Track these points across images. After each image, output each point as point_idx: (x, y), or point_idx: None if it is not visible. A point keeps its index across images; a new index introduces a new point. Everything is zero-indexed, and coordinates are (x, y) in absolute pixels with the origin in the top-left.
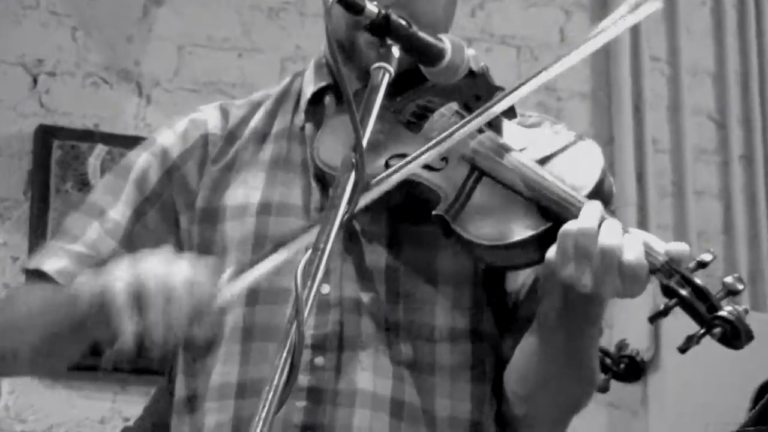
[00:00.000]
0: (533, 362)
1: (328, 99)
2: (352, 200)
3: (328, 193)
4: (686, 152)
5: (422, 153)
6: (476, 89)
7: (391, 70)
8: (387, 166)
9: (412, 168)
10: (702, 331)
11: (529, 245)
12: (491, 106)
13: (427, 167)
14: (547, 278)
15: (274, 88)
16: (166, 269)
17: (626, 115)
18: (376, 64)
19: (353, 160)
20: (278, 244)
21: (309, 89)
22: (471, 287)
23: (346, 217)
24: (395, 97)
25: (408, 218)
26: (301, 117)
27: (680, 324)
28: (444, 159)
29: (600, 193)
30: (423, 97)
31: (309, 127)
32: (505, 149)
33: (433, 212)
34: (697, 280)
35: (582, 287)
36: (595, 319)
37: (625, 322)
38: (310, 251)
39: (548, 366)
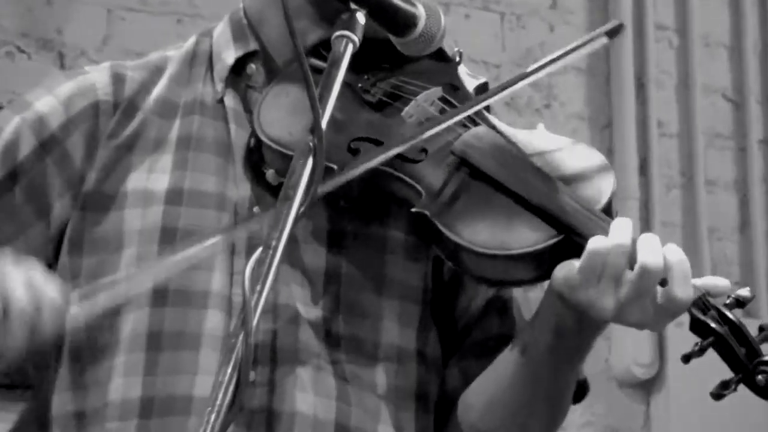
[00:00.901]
0: (505, 396)
1: (254, 67)
2: (309, 191)
3: (264, 179)
4: (697, 137)
5: (412, 139)
6: (451, 77)
7: (356, 39)
8: (350, 150)
9: (386, 157)
10: (739, 376)
11: (535, 259)
12: (495, 94)
13: (403, 158)
14: (550, 302)
15: (172, 51)
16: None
17: (628, 93)
18: (338, 33)
19: (310, 144)
20: (190, 242)
21: (228, 54)
22: (420, 302)
23: (302, 210)
24: (362, 73)
25: (357, 216)
26: (218, 87)
27: (687, 337)
28: (423, 150)
29: (609, 209)
30: (398, 75)
31: (230, 100)
32: (506, 147)
33: (413, 209)
34: (735, 318)
35: (601, 313)
36: (589, 348)
37: (623, 333)
38: (260, 250)
39: (523, 400)
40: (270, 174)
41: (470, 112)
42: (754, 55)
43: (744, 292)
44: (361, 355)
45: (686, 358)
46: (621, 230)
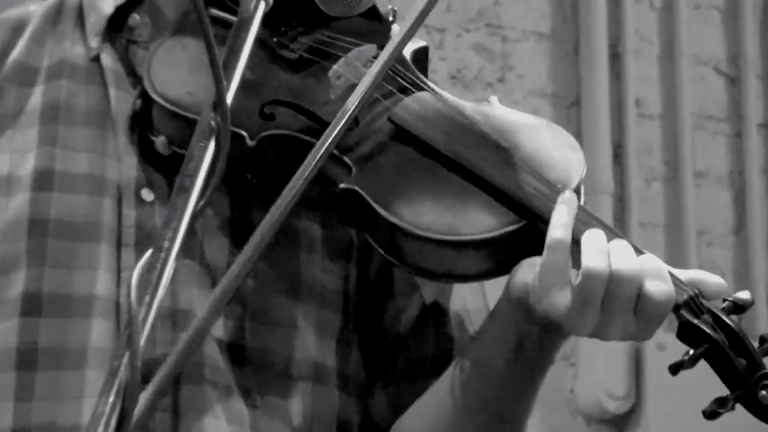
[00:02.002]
0: (448, 429)
1: (137, 18)
2: (210, 181)
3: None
4: (684, 119)
5: (357, 104)
6: (384, 39)
7: None
8: (263, 115)
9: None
10: (737, 393)
11: (489, 248)
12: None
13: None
14: (508, 310)
15: (34, 5)
16: None
17: (600, 65)
18: None
19: (212, 123)
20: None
21: (106, 3)
22: (340, 310)
23: (202, 205)
24: (279, 26)
25: (266, 203)
26: (92, 43)
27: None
28: (354, 119)
29: (579, 194)
30: (322, 31)
31: (108, 59)
32: (455, 117)
33: (341, 185)
34: (734, 324)
35: (575, 328)
36: (551, 362)
37: (592, 356)
38: (149, 253)
39: (474, 428)
40: (160, 142)
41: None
42: (754, 20)
43: (743, 295)
44: (272, 373)
45: (675, 369)
46: (594, 241)
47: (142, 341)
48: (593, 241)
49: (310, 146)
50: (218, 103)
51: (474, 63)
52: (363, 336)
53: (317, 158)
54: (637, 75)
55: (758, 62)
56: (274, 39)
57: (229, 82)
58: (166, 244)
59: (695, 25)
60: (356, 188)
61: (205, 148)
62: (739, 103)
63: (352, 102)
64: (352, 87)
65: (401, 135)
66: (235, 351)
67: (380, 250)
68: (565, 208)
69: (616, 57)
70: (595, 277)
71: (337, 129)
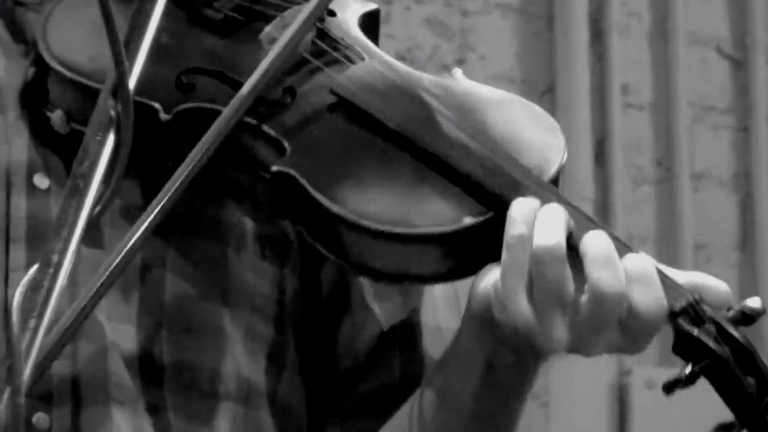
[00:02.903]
0: None
1: None
2: (110, 181)
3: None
4: (679, 109)
5: (265, 75)
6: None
7: None
8: (180, 86)
9: (239, 104)
10: (745, 418)
11: (449, 244)
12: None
13: (260, 100)
14: (472, 328)
15: None
16: None
17: (579, 44)
18: None
19: (112, 113)
20: None
21: None
22: (274, 321)
23: (99, 210)
24: None
25: (186, 191)
26: None
27: (657, 399)
28: (288, 90)
29: (557, 184)
30: None
31: None
32: (411, 91)
33: (274, 167)
34: (742, 337)
35: (550, 344)
36: (530, 386)
37: (568, 394)
38: (34, 269)
39: None
40: (57, 117)
41: (357, 37)
42: None
43: (753, 303)
44: (193, 392)
45: (669, 387)
46: (549, 222)
47: (27, 372)
48: (550, 253)
49: (242, 126)
50: (119, 87)
51: (428, 41)
52: (312, 362)
53: (220, 130)
54: (624, 56)
55: None
56: None
57: (131, 63)
58: (55, 258)
59: None
60: (290, 171)
61: (103, 142)
62: (746, 91)
63: (271, 61)
64: None
65: (346, 109)
66: (149, 365)
67: (319, 246)
68: (527, 201)
69: (598, 35)
70: (557, 287)
71: (248, 92)
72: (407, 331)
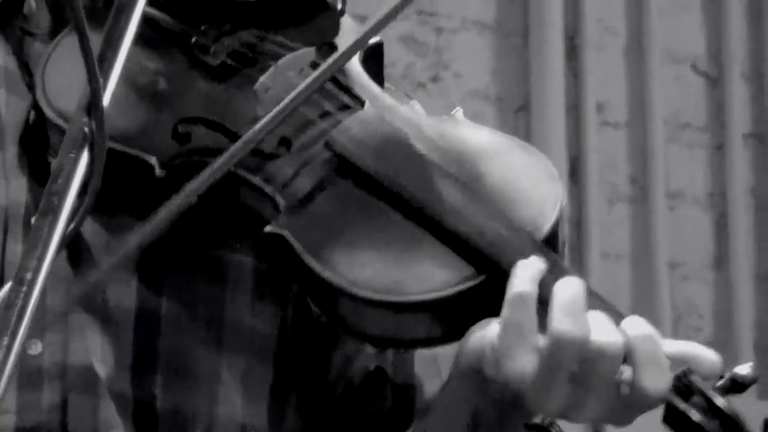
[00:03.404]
0: None
1: (32, 5)
2: (83, 200)
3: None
4: (655, 127)
5: (265, 127)
6: (331, 34)
7: None
8: (176, 136)
9: (234, 153)
10: None
11: (442, 310)
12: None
13: (254, 152)
14: (460, 382)
15: None
16: None
17: (554, 61)
18: None
19: (85, 129)
20: None
21: None
22: (274, 362)
23: (72, 229)
24: (198, 23)
25: (184, 231)
26: None
27: None
28: (284, 142)
29: (554, 237)
30: (253, 29)
31: None
32: (408, 142)
33: (267, 228)
34: (731, 410)
35: (540, 406)
36: None
37: None
38: (7, 287)
39: None
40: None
41: (363, 83)
42: (739, 7)
43: (744, 370)
44: None
45: None
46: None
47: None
48: (568, 296)
49: (234, 177)
50: (92, 102)
51: (402, 58)
52: (303, 395)
53: (203, 181)
54: (599, 73)
55: (744, 60)
56: (193, 39)
57: (105, 79)
58: (28, 276)
59: (669, 13)
60: (283, 233)
61: (77, 159)
62: (722, 108)
63: (270, 116)
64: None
65: (340, 164)
66: (143, 412)
67: (316, 308)
68: (534, 261)
69: (573, 51)
70: (568, 341)
71: (240, 148)
72: (400, 360)
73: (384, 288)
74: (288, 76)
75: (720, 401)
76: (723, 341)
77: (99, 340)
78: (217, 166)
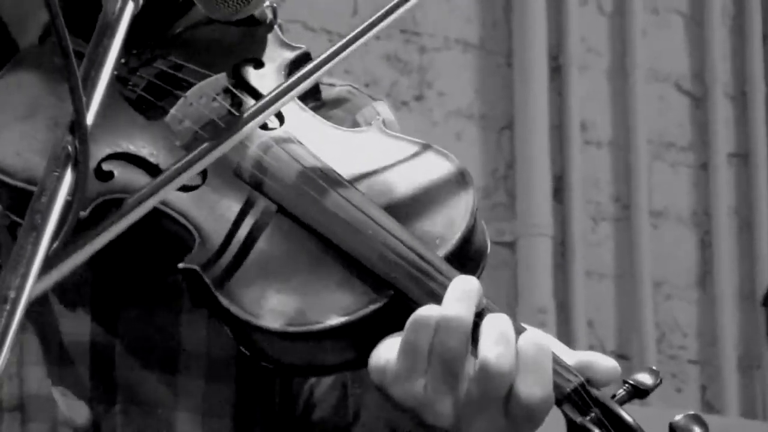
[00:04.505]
0: None
1: None
2: (67, 218)
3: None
4: (638, 147)
5: (173, 175)
6: (256, 50)
7: None
8: (100, 175)
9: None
10: None
11: (349, 335)
12: (297, 83)
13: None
14: (378, 395)
15: None
16: None
17: (538, 80)
18: None
19: (69, 148)
20: None
21: None
22: (236, 380)
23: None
24: (130, 48)
25: (132, 259)
26: None
27: None
28: (201, 172)
29: (467, 247)
30: (166, 56)
31: None
32: (314, 164)
33: (180, 265)
34: (631, 420)
35: (437, 418)
36: None
37: None
38: None
39: None
40: None
41: (267, 112)
42: (722, 27)
43: (643, 377)
44: None
45: None
46: (458, 295)
47: None
48: (456, 322)
49: (161, 215)
50: (76, 123)
51: (385, 77)
52: (268, 412)
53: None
54: (583, 93)
55: (729, 79)
56: (115, 73)
57: (89, 98)
58: (11, 294)
59: (653, 33)
60: (195, 268)
61: (60, 177)
62: (706, 128)
63: (194, 154)
64: (195, 135)
65: (249, 192)
66: None
67: (233, 339)
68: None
69: (557, 70)
70: (454, 359)
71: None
72: (355, 372)
73: (287, 319)
74: (197, 106)
75: (618, 410)
76: (707, 359)
77: (56, 372)
78: (135, 202)
